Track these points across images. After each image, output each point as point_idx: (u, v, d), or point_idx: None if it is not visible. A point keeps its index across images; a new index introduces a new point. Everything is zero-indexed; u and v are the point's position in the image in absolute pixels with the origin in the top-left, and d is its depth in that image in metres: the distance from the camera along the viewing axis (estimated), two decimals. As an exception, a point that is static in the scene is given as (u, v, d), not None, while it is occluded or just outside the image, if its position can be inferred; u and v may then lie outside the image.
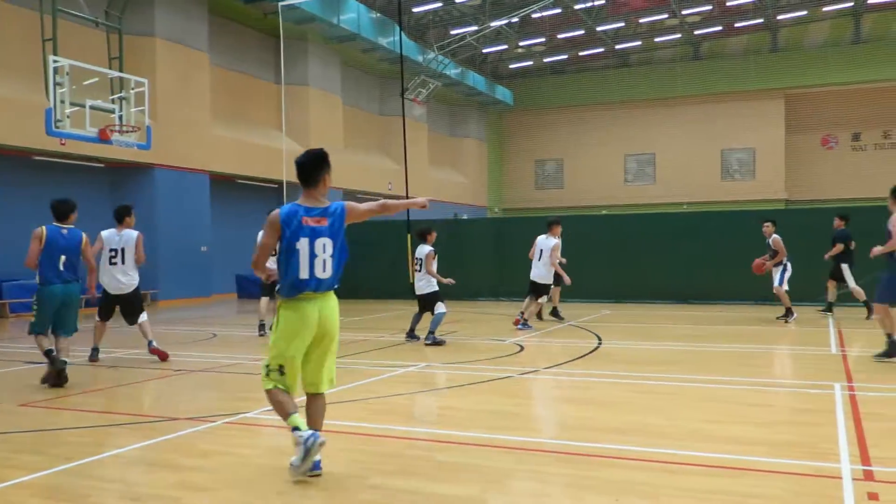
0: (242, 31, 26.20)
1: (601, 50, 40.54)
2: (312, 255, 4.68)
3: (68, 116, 14.12)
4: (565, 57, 41.64)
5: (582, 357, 9.72)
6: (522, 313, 13.38)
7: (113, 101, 15.54)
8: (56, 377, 8.00)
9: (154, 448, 5.53)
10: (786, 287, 13.79)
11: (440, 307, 11.23)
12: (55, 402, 7.31)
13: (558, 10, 34.24)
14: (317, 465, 4.66)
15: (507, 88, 42.65)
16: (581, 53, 41.09)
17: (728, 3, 35.22)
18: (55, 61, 14.03)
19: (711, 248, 18.05)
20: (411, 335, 11.70)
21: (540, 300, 13.41)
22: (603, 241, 18.73)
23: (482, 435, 5.69)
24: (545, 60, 41.96)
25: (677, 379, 8.06)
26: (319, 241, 4.71)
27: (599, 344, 11.05)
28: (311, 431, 4.61)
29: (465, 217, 33.42)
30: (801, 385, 7.84)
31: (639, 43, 40.27)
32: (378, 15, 29.90)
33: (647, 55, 41.96)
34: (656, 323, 14.24)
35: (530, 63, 42.63)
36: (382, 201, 5.17)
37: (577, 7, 33.92)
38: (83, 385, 8.29)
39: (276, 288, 13.42)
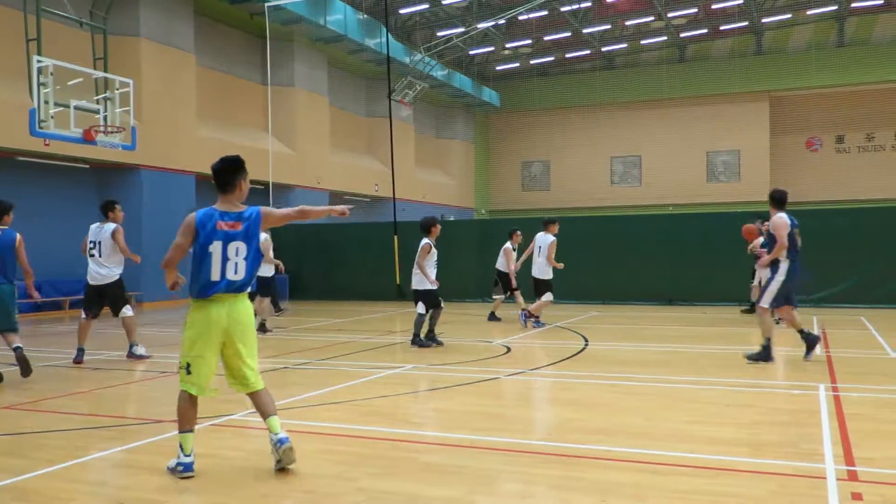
0: (228, 31, 26.10)
1: (587, 52, 40.67)
2: (225, 259, 4.82)
3: (52, 117, 14.01)
4: (552, 59, 41.75)
5: (568, 358, 9.74)
6: (527, 311, 13.66)
7: (98, 102, 15.43)
8: (19, 362, 8.35)
9: (138, 451, 5.49)
10: None
11: (419, 307, 10.88)
12: (37, 404, 7.25)
13: (545, 13, 34.32)
14: (284, 440, 4.79)
15: (493, 90, 42.70)
16: (567, 55, 41.22)
17: (713, 6, 35.42)
18: (39, 61, 13.92)
19: (697, 249, 18.15)
20: (430, 338, 11.07)
21: (544, 297, 13.51)
22: (589, 243, 18.77)
23: (468, 436, 5.68)
24: (532, 62, 42.05)
25: (662, 380, 8.09)
26: (232, 245, 4.85)
27: (586, 345, 11.08)
28: (187, 461, 4.75)
29: (451, 218, 33.43)
30: (785, 386, 7.89)
31: (625, 45, 40.44)
32: (365, 16, 29.86)
33: (632, 57, 42.13)
34: (642, 324, 14.29)
35: (517, 65, 42.71)
36: (301, 207, 5.34)
37: (563, 9, 34.02)
38: (66, 388, 8.23)
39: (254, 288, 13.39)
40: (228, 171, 4.98)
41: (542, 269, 13.53)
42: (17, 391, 7.95)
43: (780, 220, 9.10)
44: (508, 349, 10.81)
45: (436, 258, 10.97)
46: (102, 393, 8.08)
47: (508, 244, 14.95)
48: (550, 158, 43.83)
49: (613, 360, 9.81)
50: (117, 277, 10.10)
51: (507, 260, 14.83)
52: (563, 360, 9.68)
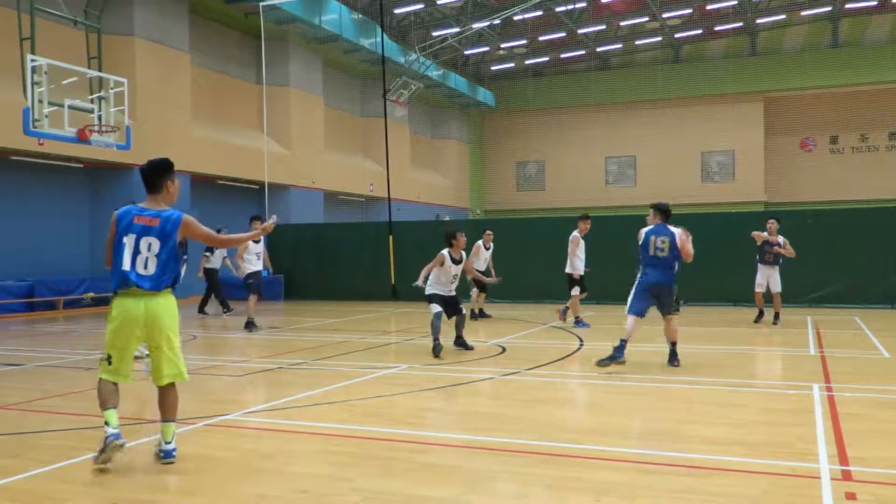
0: (223, 31, 26.05)
1: (582, 52, 40.70)
2: (136, 251, 5.01)
3: (46, 116, 13.98)
4: (546, 59, 41.77)
5: (563, 358, 9.75)
6: (567, 309, 13.91)
7: (92, 101, 15.40)
8: None
9: (132, 451, 5.47)
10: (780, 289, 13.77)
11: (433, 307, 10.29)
12: (31, 404, 7.23)
13: (539, 13, 34.34)
14: (169, 454, 5.01)
15: (488, 90, 42.71)
16: (562, 56, 41.24)
17: (708, 7, 35.47)
18: (33, 60, 13.88)
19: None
20: (459, 344, 10.58)
21: (572, 292, 13.67)
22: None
23: (464, 436, 5.68)
24: (527, 62, 42.07)
25: (656, 380, 8.10)
26: (146, 240, 5.04)
27: (581, 345, 11.09)
28: (115, 431, 4.89)
29: (447, 218, 33.43)
30: (779, 386, 7.91)
31: (619, 45, 40.47)
32: (360, 16, 29.84)
33: (627, 58, 42.17)
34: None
35: (512, 65, 42.72)
36: (229, 237, 5.93)
37: (558, 10, 34.03)
38: (60, 388, 8.20)
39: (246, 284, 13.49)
40: (155, 174, 5.21)
41: (568, 265, 13.88)
42: (10, 391, 7.92)
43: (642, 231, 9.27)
44: (504, 349, 10.82)
45: (454, 272, 10.39)
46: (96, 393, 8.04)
47: (479, 242, 15.40)
48: (545, 158, 43.85)
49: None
50: None
51: (470, 258, 14.48)
52: (558, 360, 9.69)
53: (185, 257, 4.59)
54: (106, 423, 4.94)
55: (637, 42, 40.04)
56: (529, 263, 19.21)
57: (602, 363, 8.66)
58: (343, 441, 5.65)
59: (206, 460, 5.15)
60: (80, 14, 16.82)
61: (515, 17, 33.76)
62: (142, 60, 21.10)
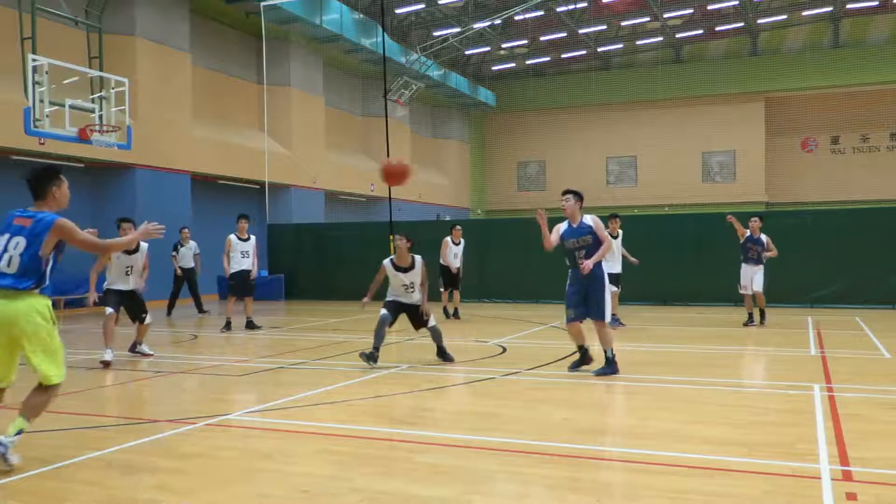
0: (224, 31, 26.06)
1: (583, 52, 40.68)
2: (4, 250, 5.02)
3: (47, 116, 14.01)
4: (547, 59, 41.76)
5: (564, 359, 9.74)
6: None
7: (93, 101, 15.42)
8: None
9: (133, 450, 5.48)
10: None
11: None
12: (32, 404, 7.21)
13: (540, 13, 34.34)
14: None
15: (489, 90, 42.71)
16: (563, 56, 41.23)
17: (709, 7, 35.45)
18: (34, 60, 13.90)
19: (693, 250, 18.18)
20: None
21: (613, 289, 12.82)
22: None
23: (464, 436, 5.68)
24: (527, 62, 42.07)
25: (656, 380, 8.10)
26: (14, 239, 5.05)
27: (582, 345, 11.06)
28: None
29: (447, 218, 33.42)
30: (779, 386, 7.90)
31: (620, 45, 40.45)
32: (361, 16, 29.84)
33: (628, 58, 42.16)
34: (636, 324, 14.30)
35: (513, 65, 42.72)
36: (108, 242, 5.95)
37: (559, 10, 34.03)
38: (62, 387, 8.19)
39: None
40: (38, 182, 5.26)
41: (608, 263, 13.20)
42: (10, 391, 7.92)
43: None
44: (504, 349, 10.82)
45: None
46: (98, 392, 8.06)
47: (447, 238, 15.64)
48: (546, 158, 43.84)
49: (609, 360, 9.79)
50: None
51: (442, 253, 15.45)
52: (559, 360, 9.68)
53: (56, 262, 4.44)
54: None
55: (638, 42, 40.03)
56: (530, 263, 19.20)
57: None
58: (343, 441, 5.65)
59: (206, 460, 5.15)
60: (81, 14, 16.84)
61: (516, 17, 33.75)
62: (143, 60, 21.11)
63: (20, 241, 5.02)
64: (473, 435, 5.73)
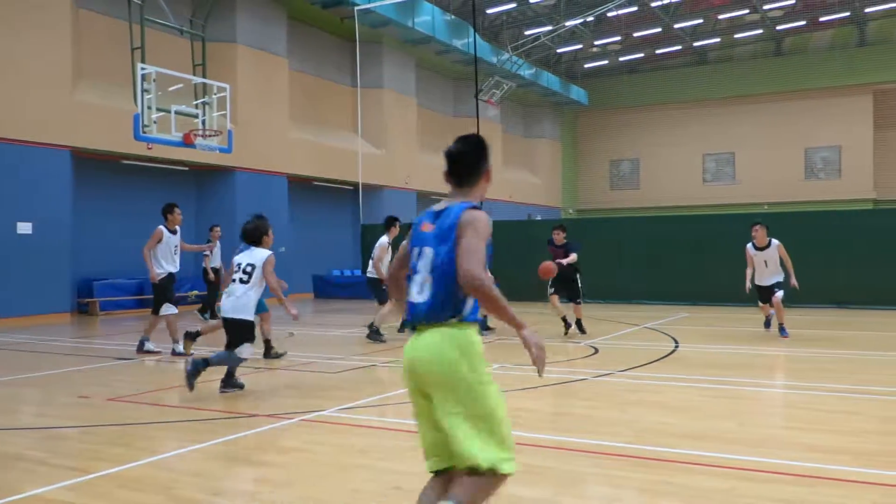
0: (320, 35, 26.68)
1: (678, 48, 39.75)
2: None
3: (155, 122, 14.64)
4: (641, 55, 40.98)
5: (657, 360, 9.56)
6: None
7: (196, 107, 16.03)
8: None
9: (234, 443, 5.68)
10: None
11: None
12: (139, 397, 7.59)
13: (634, 9, 33.73)
14: None
15: (581, 88, 42.24)
16: (657, 51, 40.37)
17: (813, -3, 34.12)
18: (143, 68, 14.56)
19: (793, 249, 17.46)
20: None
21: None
22: (680, 243, 18.34)
23: (555, 437, 5.65)
24: (620, 59, 41.39)
25: (754, 384, 7.85)
26: None
27: (676, 347, 10.84)
28: None
29: (538, 218, 33.23)
30: (890, 393, 7.52)
31: (718, 40, 39.29)
32: (452, 17, 30.01)
33: (726, 52, 40.95)
34: (733, 326, 13.88)
35: (605, 62, 42.11)
36: None
37: (653, 4, 33.35)
38: (165, 381, 8.58)
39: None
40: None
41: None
42: (122, 384, 8.34)
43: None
44: (596, 350, 10.69)
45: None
46: (197, 387, 8.39)
47: (385, 237, 12.44)
48: (640, 156, 43.05)
49: (703, 362, 9.56)
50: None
51: (376, 259, 12.44)
52: (652, 361, 9.50)
53: None
54: None
55: (736, 35, 38.80)
56: (624, 263, 18.91)
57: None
58: (435, 439, 5.70)
59: (302, 454, 5.30)
60: (186, 24, 17.55)
61: (609, 14, 33.27)
62: (243, 66, 21.83)
63: None
64: (566, 436, 5.69)
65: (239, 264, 7.87)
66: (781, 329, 11.84)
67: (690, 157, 41.48)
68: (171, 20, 16.47)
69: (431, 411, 3.19)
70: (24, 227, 16.48)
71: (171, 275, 10.65)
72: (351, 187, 26.21)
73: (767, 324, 12.65)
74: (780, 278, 11.85)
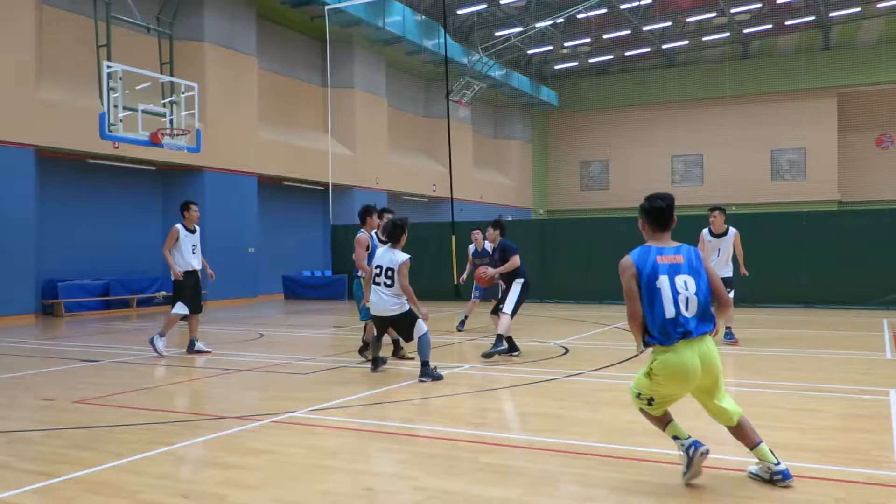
0: (289, 35, 26.52)
1: (647, 50, 40.12)
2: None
3: (121, 120, 14.46)
4: (611, 57, 41.29)
5: (627, 360, 9.63)
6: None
7: (164, 105, 15.87)
8: None
9: (202, 446, 5.62)
10: None
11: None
12: (106, 399, 7.48)
13: (604, 11, 33.97)
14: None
15: (551, 89, 42.46)
16: (627, 53, 40.71)
17: (779, 1, 34.57)
18: (109, 67, 14.37)
19: (759, 249, 17.71)
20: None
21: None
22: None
23: (526, 437, 5.67)
24: (590, 61, 41.67)
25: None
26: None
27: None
28: None
29: (509, 218, 33.35)
30: (853, 391, 7.65)
31: (686, 42, 39.74)
32: (423, 17, 30.00)
33: (694, 54, 41.40)
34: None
35: (575, 64, 42.37)
36: None
37: (623, 7, 33.62)
38: (134, 383, 8.47)
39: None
40: None
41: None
42: (88, 386, 8.22)
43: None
44: (567, 350, 10.74)
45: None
46: (167, 389, 8.29)
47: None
48: (609, 158, 43.38)
49: (674, 362, 9.62)
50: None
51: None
52: (622, 361, 9.57)
53: None
54: None
55: (704, 38, 39.26)
56: (594, 264, 19.04)
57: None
58: (406, 440, 5.70)
59: (272, 456, 5.25)
60: (153, 21, 17.36)
61: (579, 16, 33.47)
62: (211, 65, 21.63)
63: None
64: (537, 436, 5.71)
65: (380, 266, 8.30)
66: (728, 333, 11.11)
67: (659, 158, 41.88)
68: (137, 18, 16.28)
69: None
70: (-13, 228, 16.19)
71: (188, 272, 10.58)
72: (321, 187, 26.10)
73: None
74: (730, 273, 11.22)
